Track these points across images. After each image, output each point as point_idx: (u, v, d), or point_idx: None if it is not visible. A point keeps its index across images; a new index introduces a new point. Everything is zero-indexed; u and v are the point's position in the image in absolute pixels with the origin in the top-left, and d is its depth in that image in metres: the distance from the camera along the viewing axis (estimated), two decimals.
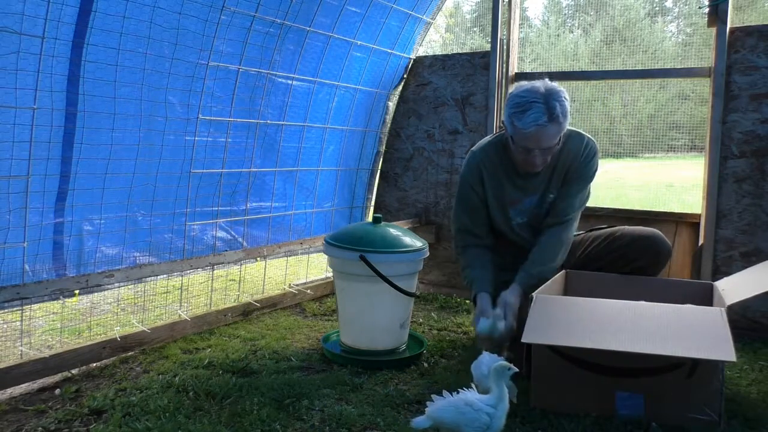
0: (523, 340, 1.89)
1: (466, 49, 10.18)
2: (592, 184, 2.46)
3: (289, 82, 3.18)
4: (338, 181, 3.73)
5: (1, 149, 2.09)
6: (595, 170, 2.44)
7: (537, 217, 2.45)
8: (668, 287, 2.43)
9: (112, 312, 3.13)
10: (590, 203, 2.55)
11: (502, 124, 2.32)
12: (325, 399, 2.05)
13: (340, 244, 2.46)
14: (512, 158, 2.37)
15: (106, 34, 2.31)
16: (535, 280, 2.28)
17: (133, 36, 2.40)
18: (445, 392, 1.68)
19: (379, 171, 3.89)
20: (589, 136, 2.45)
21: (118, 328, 2.66)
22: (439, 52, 4.05)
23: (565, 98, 2.20)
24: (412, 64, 3.75)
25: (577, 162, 2.38)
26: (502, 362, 1.69)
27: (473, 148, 2.54)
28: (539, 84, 2.21)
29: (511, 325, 2.17)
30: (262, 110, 3.08)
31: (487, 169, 2.43)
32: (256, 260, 3.26)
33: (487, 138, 2.57)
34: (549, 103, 2.16)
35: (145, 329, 2.54)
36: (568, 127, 2.32)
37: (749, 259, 2.80)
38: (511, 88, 2.32)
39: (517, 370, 1.71)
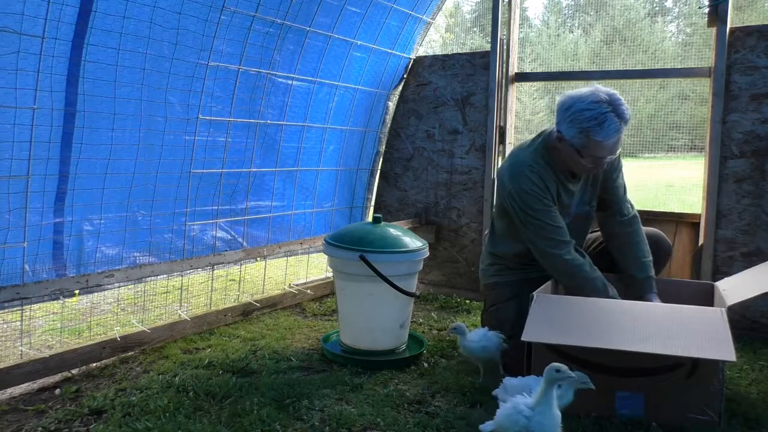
0: (523, 338, 1.89)
1: (466, 49, 10.18)
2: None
3: (289, 82, 3.18)
4: (338, 181, 3.73)
5: (1, 149, 2.09)
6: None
7: (577, 218, 2.45)
8: (668, 287, 2.43)
9: (112, 312, 3.13)
10: None
11: (558, 136, 2.26)
12: (325, 399, 2.05)
13: (340, 244, 2.46)
14: (562, 162, 2.32)
15: (106, 34, 2.31)
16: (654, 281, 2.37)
17: (133, 36, 2.40)
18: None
19: (379, 171, 3.89)
20: None
21: (118, 328, 2.66)
22: (439, 52, 4.05)
23: (621, 98, 2.21)
24: (412, 64, 3.75)
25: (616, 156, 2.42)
26: (554, 364, 1.58)
27: (519, 160, 2.35)
28: (597, 92, 2.19)
29: None
30: (262, 110, 3.08)
31: (544, 177, 2.32)
32: (256, 260, 3.26)
33: (522, 150, 2.42)
34: (617, 109, 2.16)
35: (145, 329, 2.54)
36: None
37: (749, 259, 2.80)
38: (562, 98, 2.22)
39: (573, 376, 1.60)
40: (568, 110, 2.21)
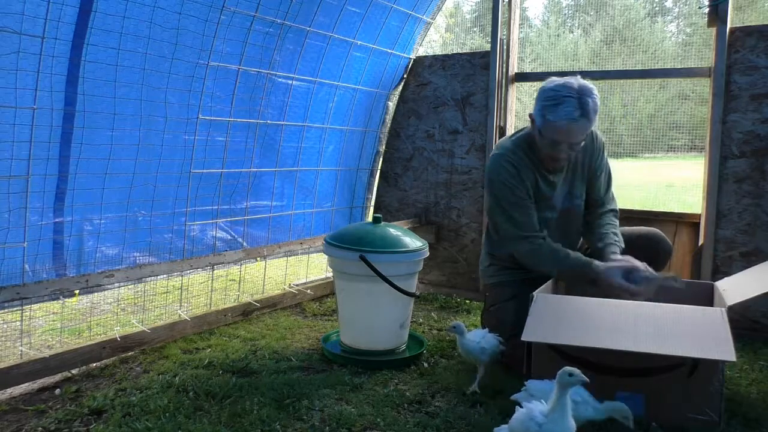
0: (524, 338, 1.89)
1: (466, 49, 10.17)
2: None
3: (289, 82, 3.18)
4: (338, 181, 3.72)
5: (1, 149, 2.09)
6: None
7: (565, 212, 2.46)
8: (668, 287, 2.43)
9: (112, 312, 3.13)
10: None
11: (530, 118, 2.32)
12: (325, 399, 2.05)
13: (340, 244, 2.46)
14: (538, 153, 2.36)
15: (106, 34, 2.31)
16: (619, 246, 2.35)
17: (132, 36, 2.40)
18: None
19: (379, 171, 3.89)
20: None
21: (118, 328, 2.66)
22: (439, 52, 4.05)
23: (596, 95, 2.22)
24: (412, 64, 3.75)
25: (595, 155, 2.45)
26: (567, 368, 1.52)
27: (497, 151, 2.43)
28: (572, 80, 2.23)
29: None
30: (261, 110, 3.08)
31: (521, 168, 2.36)
32: (256, 260, 3.26)
33: (508, 139, 2.48)
34: (582, 98, 2.17)
35: (145, 329, 2.54)
36: None
37: (749, 259, 2.80)
38: (545, 83, 2.30)
39: (586, 380, 1.51)
40: (539, 90, 2.28)
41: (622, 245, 2.37)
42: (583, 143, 2.30)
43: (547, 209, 2.43)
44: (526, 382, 1.79)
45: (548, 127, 2.22)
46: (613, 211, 2.51)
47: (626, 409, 1.66)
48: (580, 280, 2.28)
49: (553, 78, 2.30)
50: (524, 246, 2.33)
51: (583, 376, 1.51)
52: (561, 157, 2.30)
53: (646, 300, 2.14)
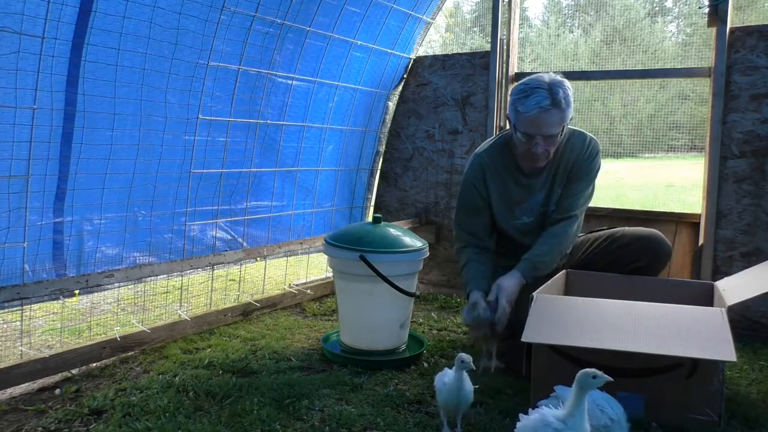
0: (523, 339, 1.89)
1: (466, 49, 10.18)
2: (595, 182, 2.48)
3: (289, 82, 3.18)
4: (338, 181, 3.73)
5: (1, 149, 2.09)
6: (598, 168, 2.45)
7: (543, 217, 2.45)
8: (668, 287, 2.43)
9: (112, 312, 3.13)
10: (590, 203, 2.55)
11: (507, 117, 2.35)
12: (325, 399, 2.05)
13: (340, 244, 2.46)
14: (516, 155, 2.38)
15: (106, 34, 2.31)
16: (534, 269, 2.31)
17: (132, 36, 2.40)
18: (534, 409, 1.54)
19: (379, 171, 3.89)
20: (592, 135, 2.45)
21: (118, 328, 2.66)
22: (439, 52, 4.05)
23: (568, 87, 2.24)
24: (412, 64, 3.75)
25: (581, 160, 2.39)
26: (588, 369, 1.42)
27: (476, 150, 2.55)
28: (544, 74, 2.27)
29: (504, 309, 2.18)
30: (261, 110, 3.08)
31: (490, 169, 2.43)
32: (256, 260, 3.26)
33: (490, 140, 2.58)
34: (552, 89, 2.20)
35: (145, 329, 2.54)
36: (570, 126, 2.33)
37: (749, 259, 2.80)
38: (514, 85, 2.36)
39: (610, 379, 1.42)
40: (512, 88, 2.35)
41: (533, 269, 2.31)
42: (560, 141, 2.30)
43: (523, 214, 2.44)
44: (555, 388, 1.72)
45: (520, 120, 2.24)
46: (570, 218, 2.38)
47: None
48: None
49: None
50: (460, 247, 2.53)
51: (606, 376, 1.41)
52: (538, 154, 2.27)
53: (478, 335, 2.25)
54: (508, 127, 2.56)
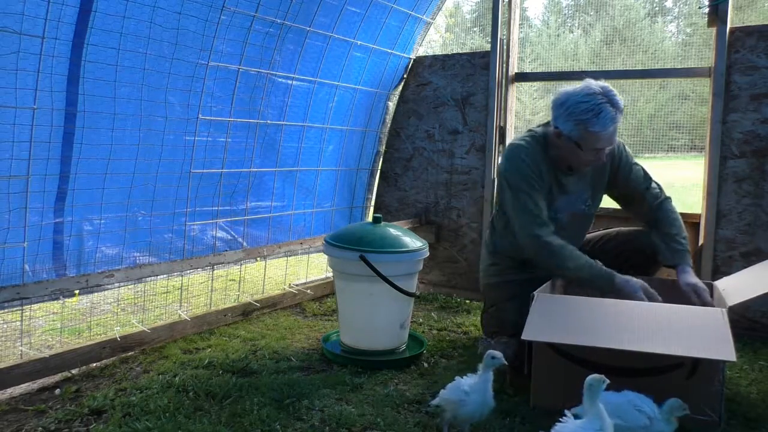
0: (524, 337, 1.89)
1: (466, 49, 10.17)
2: None
3: (289, 82, 3.18)
4: (338, 181, 3.73)
5: (1, 149, 2.09)
6: None
7: (575, 217, 2.44)
8: (668, 287, 2.43)
9: (112, 312, 3.13)
10: None
11: (557, 134, 2.26)
12: (325, 399, 2.05)
13: (340, 244, 2.46)
14: (569, 159, 2.32)
15: (106, 34, 2.31)
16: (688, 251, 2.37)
17: (133, 36, 2.40)
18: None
19: (379, 171, 3.89)
20: None
21: (118, 328, 2.66)
22: (439, 52, 4.05)
23: (613, 88, 2.23)
24: (412, 64, 3.75)
25: (618, 150, 2.42)
26: (595, 376, 1.51)
27: (516, 142, 2.39)
28: (592, 85, 2.22)
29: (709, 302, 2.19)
30: (262, 110, 3.08)
31: (538, 162, 2.34)
32: (256, 260, 3.26)
33: (524, 137, 2.42)
34: (612, 99, 2.19)
35: (145, 329, 2.54)
36: None
37: (749, 259, 2.80)
38: (556, 95, 2.28)
39: (608, 382, 1.52)
40: (563, 105, 2.24)
41: (685, 249, 2.37)
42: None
43: (555, 211, 2.42)
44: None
45: (592, 138, 2.20)
46: (668, 198, 2.47)
47: (681, 403, 1.64)
48: (599, 290, 2.24)
49: (566, 89, 2.27)
50: (543, 243, 2.25)
51: (604, 377, 1.50)
52: (602, 159, 2.29)
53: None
54: (532, 129, 2.43)
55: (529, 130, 2.46)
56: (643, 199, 2.45)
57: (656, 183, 2.48)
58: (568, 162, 2.33)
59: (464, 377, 1.79)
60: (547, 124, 2.39)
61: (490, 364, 1.75)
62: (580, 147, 2.23)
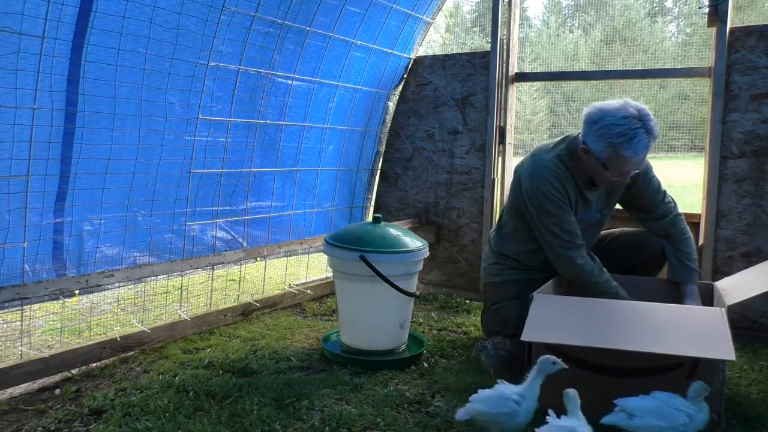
0: (523, 338, 1.89)
1: (466, 49, 10.18)
2: None
3: (289, 82, 3.18)
4: (338, 181, 3.73)
5: (1, 149, 2.09)
6: None
7: (589, 226, 2.43)
8: (668, 287, 2.43)
9: (112, 312, 3.13)
10: None
11: (584, 150, 2.23)
12: (325, 399, 2.05)
13: (340, 244, 2.46)
14: (592, 174, 2.30)
15: (106, 34, 2.31)
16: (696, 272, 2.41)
17: (133, 36, 2.40)
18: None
19: (379, 171, 3.89)
20: None
21: (118, 328, 2.66)
22: (439, 52, 4.05)
23: (651, 114, 2.18)
24: (412, 64, 3.75)
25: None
26: (568, 391, 1.59)
27: (540, 162, 2.33)
28: (630, 107, 2.16)
29: None
30: (262, 110, 3.08)
31: (564, 181, 2.30)
32: (256, 260, 3.26)
33: (549, 147, 2.39)
34: (647, 125, 2.14)
35: (145, 329, 2.54)
36: None
37: (749, 259, 2.80)
38: (591, 111, 2.23)
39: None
40: (596, 123, 2.18)
41: (695, 269, 2.41)
42: None
43: (580, 223, 2.39)
44: (617, 401, 1.67)
45: (621, 162, 2.17)
46: (680, 215, 2.47)
47: (702, 384, 1.65)
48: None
49: (600, 105, 2.21)
50: (571, 261, 2.27)
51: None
52: (626, 180, 2.28)
53: None
54: (555, 145, 2.37)
55: (553, 146, 2.37)
56: (656, 211, 2.43)
57: (670, 196, 2.46)
58: (590, 175, 2.31)
59: (501, 384, 1.73)
60: (573, 138, 2.33)
61: (547, 369, 1.69)
62: (605, 167, 2.19)
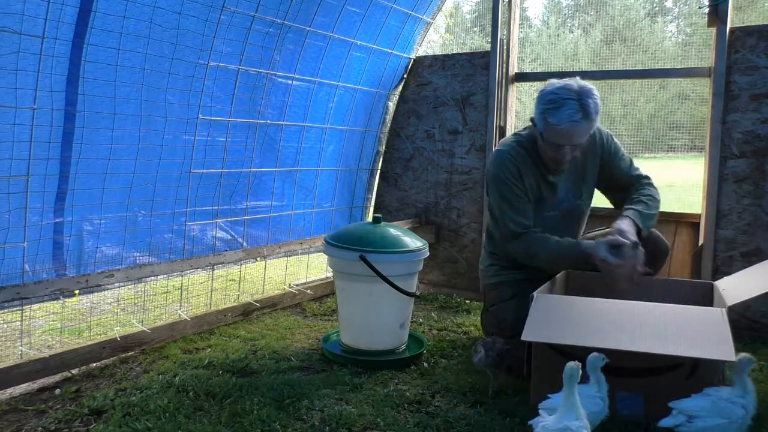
0: (524, 338, 1.89)
1: (466, 49, 10.18)
2: None
3: (289, 82, 3.18)
4: (338, 181, 3.73)
5: (1, 149, 2.09)
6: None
7: (566, 212, 2.45)
8: (668, 287, 2.43)
9: (112, 312, 3.13)
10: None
11: (531, 122, 2.30)
12: (325, 399, 2.05)
13: (340, 244, 2.46)
14: (541, 155, 2.36)
15: (106, 34, 2.31)
16: (640, 217, 2.28)
17: (132, 36, 2.40)
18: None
19: (379, 171, 3.89)
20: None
21: (118, 328, 2.66)
22: (439, 52, 4.05)
23: (597, 95, 2.21)
24: (412, 64, 3.75)
25: (606, 144, 2.44)
26: (571, 364, 1.52)
27: (501, 147, 2.44)
28: (572, 82, 2.22)
29: (640, 247, 2.16)
30: (262, 110, 3.08)
31: (521, 166, 2.36)
32: (256, 260, 3.26)
33: (511, 137, 2.48)
34: (583, 100, 2.17)
35: (145, 329, 2.54)
36: None
37: (749, 259, 2.80)
38: (544, 86, 2.30)
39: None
40: (539, 93, 2.26)
41: (639, 208, 2.32)
42: (584, 143, 2.30)
43: (546, 209, 2.43)
44: (672, 404, 1.63)
45: (550, 131, 2.22)
46: (645, 176, 2.47)
47: (746, 356, 1.63)
48: (580, 266, 2.30)
49: (553, 81, 2.29)
50: (519, 241, 2.34)
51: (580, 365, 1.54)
52: (564, 159, 2.30)
53: (626, 275, 2.15)
54: (518, 133, 2.47)
55: (515, 133, 2.48)
56: (631, 185, 2.45)
57: (644, 172, 2.49)
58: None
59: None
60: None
61: (599, 364, 1.66)
62: (543, 139, 2.25)
